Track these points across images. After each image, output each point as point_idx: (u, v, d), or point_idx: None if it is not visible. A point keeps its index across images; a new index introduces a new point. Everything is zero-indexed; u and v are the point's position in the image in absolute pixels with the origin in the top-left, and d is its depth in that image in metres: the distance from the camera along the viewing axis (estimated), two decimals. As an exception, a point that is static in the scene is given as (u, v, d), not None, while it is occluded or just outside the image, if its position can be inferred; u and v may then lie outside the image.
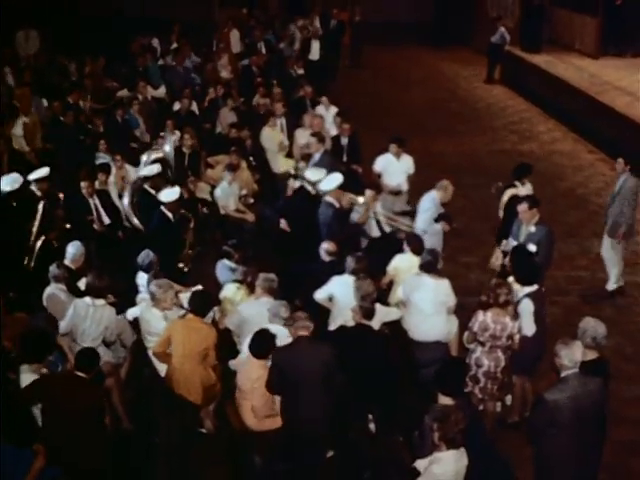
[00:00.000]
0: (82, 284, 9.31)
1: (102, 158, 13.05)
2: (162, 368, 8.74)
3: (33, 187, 11.18)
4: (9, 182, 10.92)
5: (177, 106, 16.17)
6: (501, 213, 11.11)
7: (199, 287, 9.85)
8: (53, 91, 16.21)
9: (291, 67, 19.76)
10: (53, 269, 9.23)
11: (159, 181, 11.85)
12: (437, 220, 10.65)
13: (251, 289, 9.21)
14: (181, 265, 10.96)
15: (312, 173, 11.63)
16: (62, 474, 7.04)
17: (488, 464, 7.59)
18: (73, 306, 8.75)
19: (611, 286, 11.65)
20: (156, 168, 12.00)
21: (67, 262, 9.56)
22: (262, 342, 7.87)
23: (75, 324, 8.67)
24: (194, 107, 16.14)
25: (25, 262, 10.54)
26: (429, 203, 10.80)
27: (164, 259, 10.08)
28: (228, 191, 12.39)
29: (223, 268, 10.02)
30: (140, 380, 9.14)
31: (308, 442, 7.65)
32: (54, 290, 9.18)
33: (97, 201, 11.58)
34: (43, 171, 11.36)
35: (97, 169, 12.26)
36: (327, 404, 7.61)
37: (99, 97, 16.88)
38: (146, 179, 11.86)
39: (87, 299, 8.75)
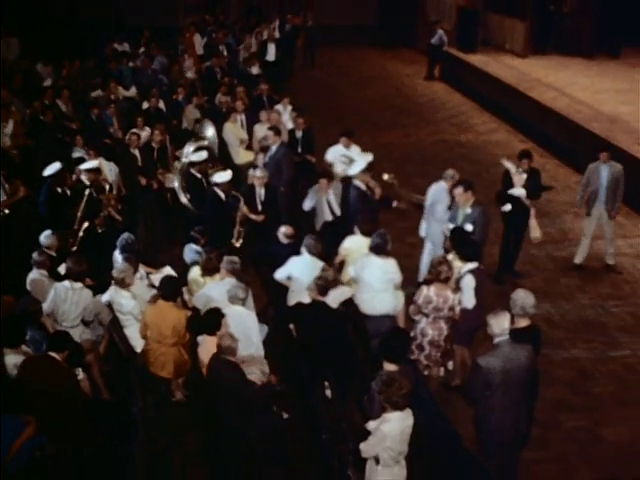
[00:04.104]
0: (62, 269, 9.19)
1: (78, 152, 12.87)
2: (137, 344, 8.70)
3: (83, 176, 11.09)
4: (50, 168, 10.81)
5: (146, 105, 16.03)
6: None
7: (167, 268, 9.80)
8: (34, 93, 15.98)
9: (248, 67, 19.70)
10: (35, 256, 9.10)
11: (205, 166, 11.94)
12: (450, 208, 10.55)
13: (212, 273, 9.11)
14: (233, 241, 10.87)
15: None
16: (49, 442, 7.02)
17: (434, 423, 7.66)
18: (54, 289, 8.67)
19: (578, 259, 11.96)
20: (205, 154, 12.00)
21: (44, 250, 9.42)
22: (211, 320, 7.85)
23: (56, 306, 8.61)
24: (162, 105, 16.03)
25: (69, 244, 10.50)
26: (442, 194, 10.66)
27: (217, 236, 10.33)
28: (195, 182, 12.29)
29: (190, 251, 9.93)
30: (117, 355, 9.04)
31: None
32: (36, 275, 9.06)
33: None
34: (94, 162, 11.31)
35: (74, 163, 12.07)
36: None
37: (75, 97, 16.62)
38: (194, 164, 11.87)
39: (66, 282, 8.68)
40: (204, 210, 11.28)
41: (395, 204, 11.36)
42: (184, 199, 11.80)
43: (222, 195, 10.98)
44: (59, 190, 10.88)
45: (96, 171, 11.25)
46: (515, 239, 11.45)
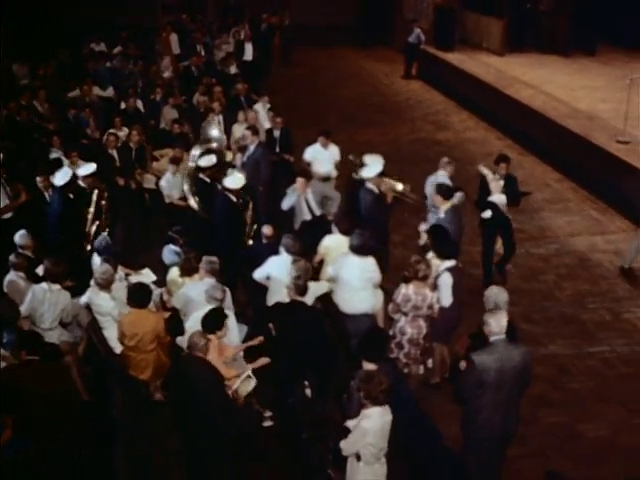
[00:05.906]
0: (40, 270, 9.14)
1: (55, 153, 12.81)
2: (116, 345, 8.65)
3: (80, 182, 10.97)
4: (62, 177, 10.70)
5: (124, 105, 15.96)
6: None
7: (147, 269, 9.77)
8: (11, 93, 15.90)
9: (225, 67, 19.68)
10: (12, 258, 9.04)
11: (214, 171, 11.72)
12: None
13: (191, 273, 9.09)
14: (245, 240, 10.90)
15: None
16: (33, 444, 6.97)
17: (413, 419, 7.69)
18: (31, 291, 8.61)
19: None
20: (214, 159, 11.80)
21: (21, 251, 9.36)
22: (213, 319, 7.78)
23: (34, 308, 8.55)
24: (139, 105, 15.97)
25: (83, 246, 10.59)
26: (443, 180, 10.64)
27: (231, 237, 10.49)
28: (172, 182, 12.25)
29: (169, 252, 9.92)
30: (96, 357, 9.00)
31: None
32: (13, 277, 9.00)
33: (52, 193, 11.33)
34: (90, 167, 11.15)
35: (51, 164, 11.99)
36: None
37: (52, 97, 16.53)
38: (203, 169, 11.68)
39: (44, 284, 8.63)
40: (215, 214, 11.11)
41: (409, 200, 11.28)
42: (194, 203, 11.55)
43: (234, 198, 10.81)
44: (70, 196, 10.82)
45: (94, 175, 11.12)
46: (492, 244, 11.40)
